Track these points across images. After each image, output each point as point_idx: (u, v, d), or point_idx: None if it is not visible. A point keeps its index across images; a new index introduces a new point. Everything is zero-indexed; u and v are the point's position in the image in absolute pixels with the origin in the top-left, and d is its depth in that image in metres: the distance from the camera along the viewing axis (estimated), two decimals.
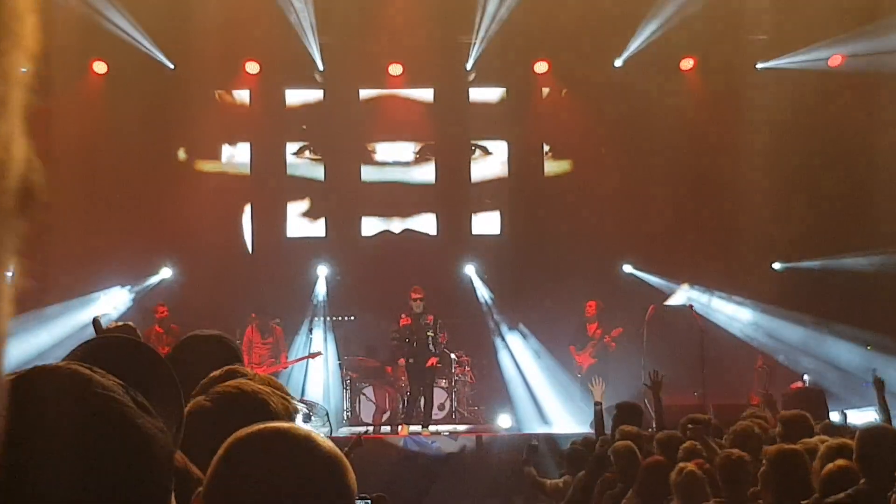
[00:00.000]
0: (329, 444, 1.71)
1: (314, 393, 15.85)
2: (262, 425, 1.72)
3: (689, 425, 7.90)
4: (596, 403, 10.31)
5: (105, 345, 2.13)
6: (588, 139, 18.37)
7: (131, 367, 2.04)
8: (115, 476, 1.32)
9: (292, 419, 2.21)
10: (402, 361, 15.31)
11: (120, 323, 2.46)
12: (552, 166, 18.67)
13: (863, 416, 11.21)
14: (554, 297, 16.81)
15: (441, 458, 13.85)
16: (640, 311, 16.08)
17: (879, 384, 8.93)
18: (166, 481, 1.39)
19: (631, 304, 16.78)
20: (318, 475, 1.65)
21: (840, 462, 5.62)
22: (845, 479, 5.54)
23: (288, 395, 2.37)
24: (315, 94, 18.44)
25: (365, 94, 18.45)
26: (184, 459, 1.88)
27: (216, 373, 2.60)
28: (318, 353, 15.96)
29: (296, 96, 18.47)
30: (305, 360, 15.90)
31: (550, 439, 13.19)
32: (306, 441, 1.68)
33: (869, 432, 5.80)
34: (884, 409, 8.67)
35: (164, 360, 2.14)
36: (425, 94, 18.51)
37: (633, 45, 17.68)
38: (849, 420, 10.76)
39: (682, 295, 17.70)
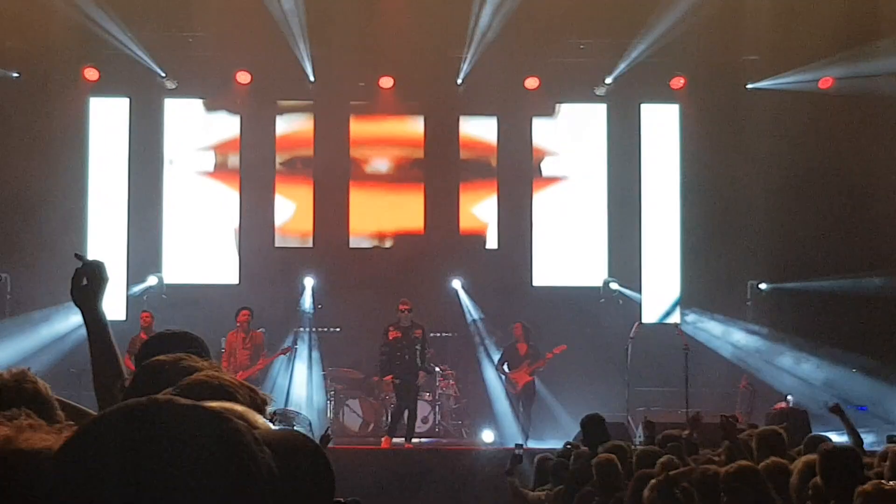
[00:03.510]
0: (238, 426, 1.42)
1: (297, 404, 15.80)
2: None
3: (669, 442, 7.92)
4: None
5: None
6: (578, 157, 18.42)
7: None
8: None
9: (262, 412, 2.13)
10: (388, 379, 15.15)
11: (15, 369, 2.22)
12: (542, 184, 18.66)
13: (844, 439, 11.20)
14: (540, 313, 16.84)
15: (423, 470, 13.82)
16: (625, 328, 16.12)
17: (838, 410, 8.79)
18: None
19: (615, 321, 16.86)
20: (191, 452, 1.36)
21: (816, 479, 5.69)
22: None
23: (256, 389, 2.27)
24: (306, 105, 18.46)
25: (355, 106, 18.46)
26: None
27: (163, 358, 2.50)
28: (290, 349, 16.01)
29: (287, 107, 18.49)
30: (279, 357, 15.88)
31: (534, 452, 13.17)
32: (190, 410, 1.42)
33: (830, 452, 5.85)
34: (852, 433, 8.59)
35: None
36: (416, 109, 18.49)
37: (623, 64, 17.71)
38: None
39: (669, 313, 17.75)
